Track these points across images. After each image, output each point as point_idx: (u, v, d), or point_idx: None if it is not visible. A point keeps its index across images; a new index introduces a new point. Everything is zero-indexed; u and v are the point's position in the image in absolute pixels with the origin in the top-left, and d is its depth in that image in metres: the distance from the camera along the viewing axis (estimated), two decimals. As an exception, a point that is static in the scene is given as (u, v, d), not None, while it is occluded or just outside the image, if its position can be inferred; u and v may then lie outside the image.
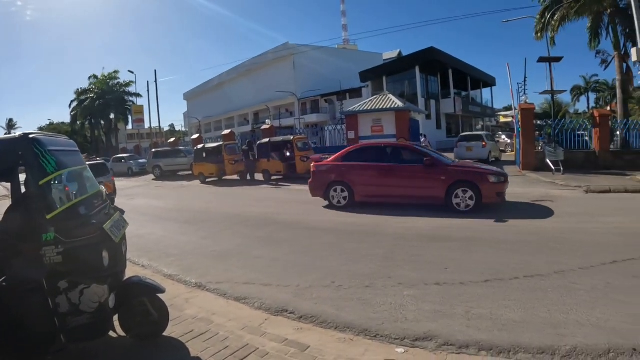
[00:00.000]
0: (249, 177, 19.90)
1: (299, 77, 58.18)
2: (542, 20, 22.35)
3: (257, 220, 9.98)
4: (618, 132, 19.14)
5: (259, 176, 19.87)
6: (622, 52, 21.89)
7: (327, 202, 11.18)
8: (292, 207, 11.93)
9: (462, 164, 10.96)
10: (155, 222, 10.63)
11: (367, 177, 10.49)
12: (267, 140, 20.53)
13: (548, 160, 17.26)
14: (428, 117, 42.18)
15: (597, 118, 18.40)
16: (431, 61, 44.29)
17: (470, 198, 9.38)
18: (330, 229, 8.62)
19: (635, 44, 16.31)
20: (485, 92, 63.34)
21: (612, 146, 18.81)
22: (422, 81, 45.44)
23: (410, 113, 21.97)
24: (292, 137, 19.70)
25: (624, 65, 22.12)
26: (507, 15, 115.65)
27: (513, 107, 22.43)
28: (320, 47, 59.12)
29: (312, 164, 11.12)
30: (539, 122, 25.48)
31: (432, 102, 46.45)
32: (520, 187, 14.11)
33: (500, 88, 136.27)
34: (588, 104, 65.71)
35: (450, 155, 16.68)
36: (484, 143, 23.00)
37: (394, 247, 6.92)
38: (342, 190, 10.62)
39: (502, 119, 64.94)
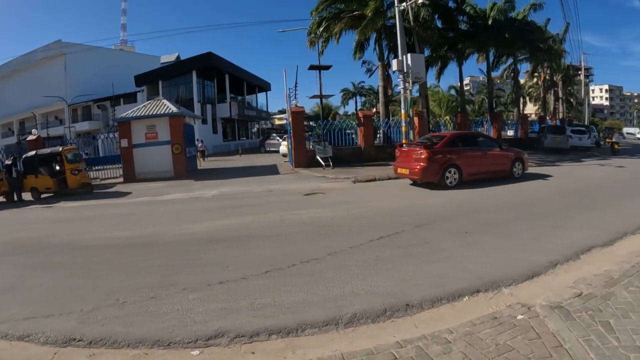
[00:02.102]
0: (15, 198, 17.09)
1: (71, 80, 51.25)
2: (316, 31, 24.67)
3: (28, 246, 8.56)
4: (381, 130, 22.29)
5: (27, 195, 17.20)
6: (385, 63, 25.94)
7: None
8: (67, 227, 10.59)
9: (510, 148, 14.80)
10: None
11: (471, 159, 13.20)
12: (33, 153, 17.39)
13: (318, 157, 19.31)
14: (204, 121, 42.02)
15: (362, 118, 21.87)
16: (208, 66, 44.08)
17: (520, 168, 14.19)
18: (107, 245, 8.00)
19: (396, 56, 19.66)
20: (261, 96, 66.90)
21: (376, 141, 22.37)
22: (199, 86, 44.96)
23: (185, 118, 21.91)
24: (60, 149, 17.24)
25: (386, 73, 26.28)
26: (286, 25, 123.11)
27: (287, 110, 24.17)
28: (95, 47, 53.35)
29: (423, 150, 12.55)
30: (310, 123, 28.28)
31: (209, 106, 46.15)
32: (294, 183, 15.44)
33: (276, 92, 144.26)
34: (356, 106, 75.30)
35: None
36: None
37: (174, 255, 6.90)
38: (454, 172, 12.67)
39: (277, 122, 69.25)
